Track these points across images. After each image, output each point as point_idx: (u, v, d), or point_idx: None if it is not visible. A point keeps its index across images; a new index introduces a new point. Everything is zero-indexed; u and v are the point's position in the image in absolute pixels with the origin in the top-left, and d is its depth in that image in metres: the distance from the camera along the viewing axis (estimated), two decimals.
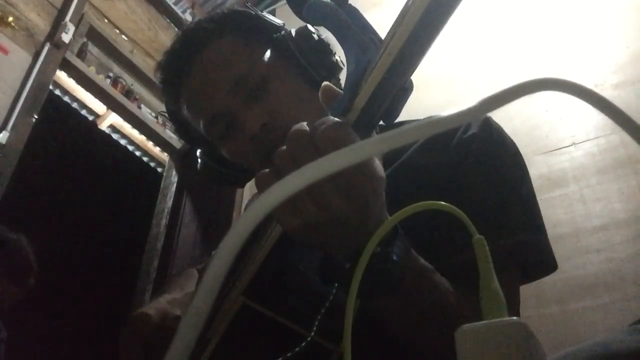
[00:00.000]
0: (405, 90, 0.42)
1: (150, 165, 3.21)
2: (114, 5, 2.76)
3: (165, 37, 2.94)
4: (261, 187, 0.44)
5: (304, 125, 0.42)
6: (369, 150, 0.20)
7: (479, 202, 0.61)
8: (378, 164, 0.44)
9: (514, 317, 0.28)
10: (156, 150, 3.08)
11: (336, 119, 0.41)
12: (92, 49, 2.69)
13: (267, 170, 0.44)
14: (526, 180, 0.68)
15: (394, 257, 0.45)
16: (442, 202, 0.35)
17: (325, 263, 0.48)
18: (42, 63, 2.19)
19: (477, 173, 0.64)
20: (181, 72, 0.74)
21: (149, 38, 2.92)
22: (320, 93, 0.46)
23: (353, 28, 0.43)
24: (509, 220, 0.62)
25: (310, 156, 0.40)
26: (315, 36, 0.70)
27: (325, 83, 0.45)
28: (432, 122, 0.21)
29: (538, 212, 0.66)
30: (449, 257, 0.57)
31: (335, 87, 0.45)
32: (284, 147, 0.43)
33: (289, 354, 0.46)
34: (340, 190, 0.41)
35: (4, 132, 1.98)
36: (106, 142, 3.18)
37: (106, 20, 2.72)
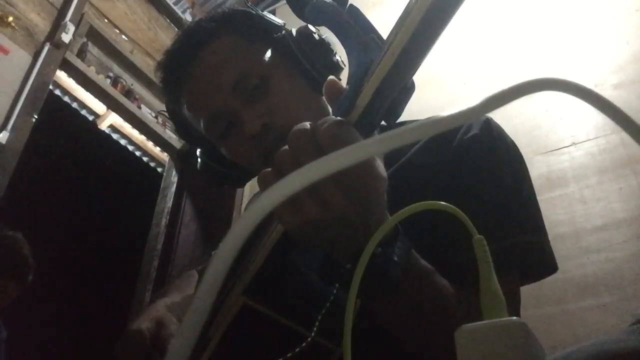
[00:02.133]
0: (407, 90, 0.42)
1: (150, 165, 3.21)
2: (114, 5, 2.76)
3: (165, 37, 2.94)
4: (263, 186, 0.44)
5: (306, 124, 0.42)
6: (371, 149, 0.20)
7: (479, 202, 0.61)
8: (380, 163, 0.44)
9: (514, 317, 0.28)
10: (156, 150, 3.08)
11: (338, 117, 0.41)
12: (92, 49, 2.69)
13: (269, 169, 0.44)
14: (526, 181, 0.68)
15: (395, 258, 0.44)
16: (442, 202, 0.35)
17: (326, 263, 0.48)
18: (42, 63, 2.19)
19: (478, 174, 0.64)
20: (181, 72, 0.74)
21: (149, 38, 2.92)
22: (324, 87, 0.45)
23: (355, 28, 0.43)
24: (509, 221, 0.62)
25: (311, 155, 0.40)
26: (315, 36, 0.70)
27: (330, 77, 0.45)
28: (433, 122, 0.21)
29: (538, 213, 0.66)
30: (450, 258, 0.57)
31: (339, 82, 0.45)
32: (286, 147, 0.43)
33: (289, 354, 0.46)
34: (342, 190, 0.41)
35: (4, 132, 1.98)
36: (106, 142, 3.18)
37: (106, 20, 2.72)
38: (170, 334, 0.68)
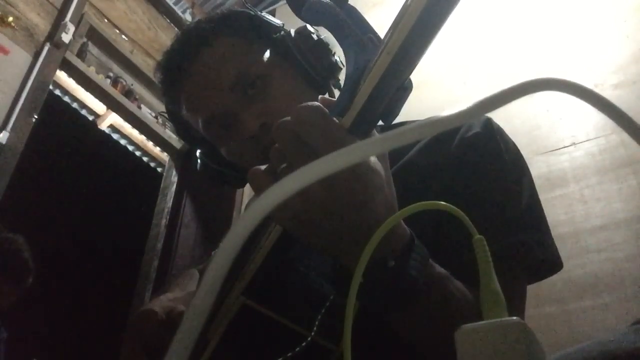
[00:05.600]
0: (404, 89, 0.42)
1: (150, 165, 3.21)
2: (114, 5, 2.76)
3: (165, 37, 2.94)
4: (254, 184, 0.44)
5: (286, 118, 0.42)
6: (371, 149, 0.20)
7: (481, 202, 0.61)
8: (374, 159, 0.43)
9: (514, 317, 0.28)
10: (156, 150, 3.08)
11: (309, 103, 0.41)
12: (92, 49, 2.69)
13: (259, 167, 0.44)
14: (528, 180, 0.68)
15: (412, 272, 0.44)
16: (442, 202, 0.35)
17: (340, 275, 0.47)
18: (42, 63, 2.19)
19: (479, 173, 0.64)
20: (180, 72, 0.74)
21: (149, 38, 2.92)
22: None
23: (352, 27, 0.43)
24: (510, 220, 0.61)
25: (294, 147, 0.41)
26: (314, 36, 0.71)
27: (320, 97, 0.45)
28: (432, 122, 0.21)
29: (540, 212, 0.66)
30: (451, 258, 0.57)
31: (327, 97, 0.45)
32: (276, 145, 0.43)
33: (289, 354, 0.46)
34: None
35: (4, 132, 1.98)
36: (106, 142, 3.18)
37: (106, 20, 2.72)
38: (181, 314, 0.68)
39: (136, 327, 0.68)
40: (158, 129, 2.82)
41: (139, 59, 2.82)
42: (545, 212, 0.67)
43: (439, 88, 1.91)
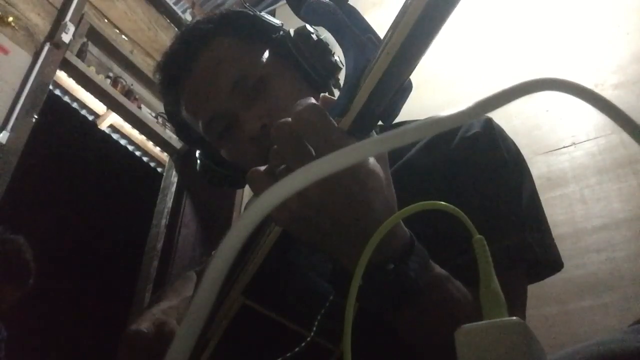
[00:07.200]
0: (404, 90, 0.42)
1: (150, 165, 3.21)
2: (114, 5, 2.76)
3: (165, 37, 2.94)
4: (254, 185, 0.44)
5: (285, 119, 0.41)
6: (370, 149, 0.20)
7: (481, 201, 0.61)
8: (372, 160, 0.43)
9: (514, 317, 0.27)
10: (156, 150, 3.09)
11: (307, 100, 0.41)
12: (92, 49, 2.69)
13: (259, 167, 0.44)
14: (528, 180, 0.67)
15: (411, 274, 0.44)
16: (442, 202, 0.35)
17: (338, 275, 0.47)
18: (42, 63, 2.19)
19: (479, 172, 0.64)
20: (180, 73, 0.74)
21: (149, 38, 2.92)
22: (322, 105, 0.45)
23: (351, 28, 0.43)
24: (512, 220, 0.61)
25: (293, 148, 0.40)
26: (314, 36, 0.70)
27: (322, 95, 0.45)
28: (431, 122, 0.21)
29: (541, 212, 0.66)
30: (452, 258, 0.56)
31: (327, 96, 0.45)
32: (275, 146, 0.43)
33: (289, 354, 0.46)
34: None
35: (4, 132, 1.98)
36: (106, 142, 3.18)
37: (106, 20, 2.72)
38: (172, 331, 0.68)
39: (127, 347, 0.67)
40: (158, 129, 2.82)
41: (139, 59, 2.82)
42: (545, 212, 0.67)
43: (439, 88, 1.91)
